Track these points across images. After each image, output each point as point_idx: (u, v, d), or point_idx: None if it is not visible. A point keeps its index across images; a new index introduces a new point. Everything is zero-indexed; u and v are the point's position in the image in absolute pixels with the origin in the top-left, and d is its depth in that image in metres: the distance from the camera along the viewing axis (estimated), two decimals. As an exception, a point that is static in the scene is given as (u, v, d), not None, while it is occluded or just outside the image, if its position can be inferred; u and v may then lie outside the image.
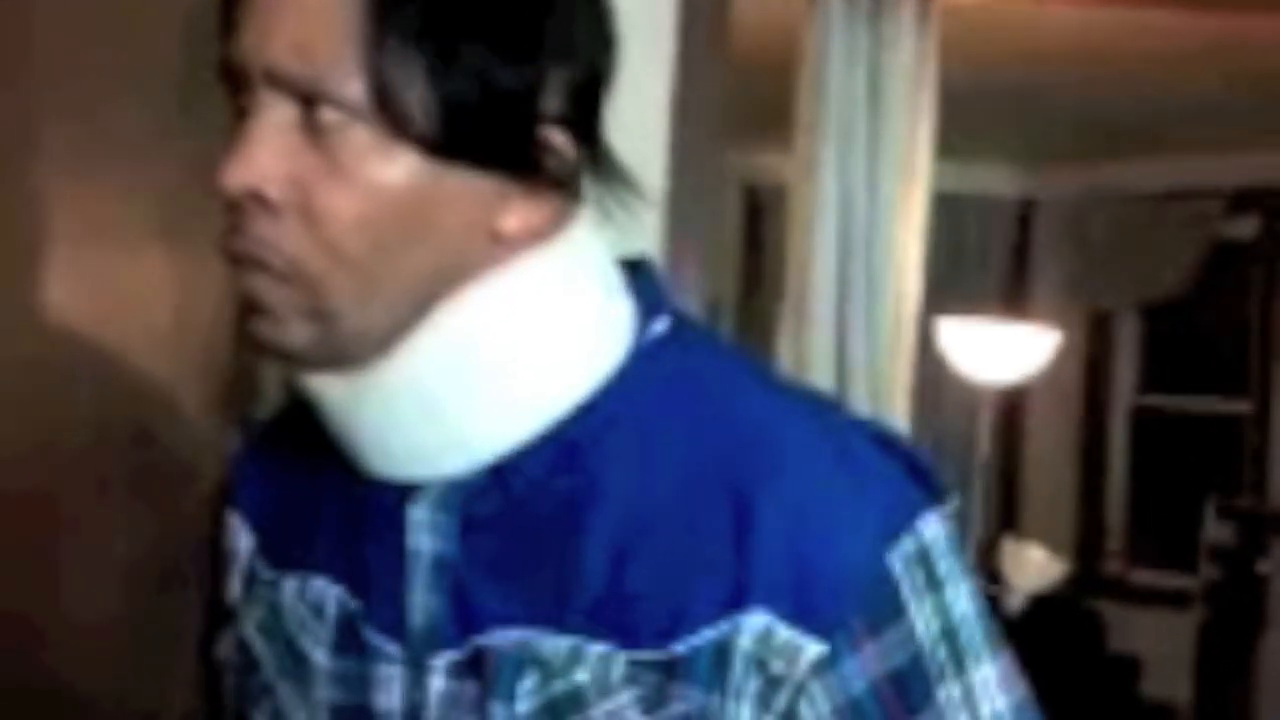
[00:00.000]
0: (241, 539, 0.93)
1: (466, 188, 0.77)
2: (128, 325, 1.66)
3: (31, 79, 1.58)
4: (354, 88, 0.75)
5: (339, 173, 0.76)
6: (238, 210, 0.77)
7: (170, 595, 1.57)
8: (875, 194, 2.77)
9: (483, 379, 0.80)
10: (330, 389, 0.81)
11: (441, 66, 0.74)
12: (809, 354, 2.78)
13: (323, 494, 0.88)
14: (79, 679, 1.60)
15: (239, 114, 0.79)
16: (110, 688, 1.61)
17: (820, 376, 2.77)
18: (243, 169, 0.76)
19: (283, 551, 0.90)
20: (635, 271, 0.87)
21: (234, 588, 0.93)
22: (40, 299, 1.62)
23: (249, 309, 0.79)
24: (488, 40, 0.75)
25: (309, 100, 0.75)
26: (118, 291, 1.65)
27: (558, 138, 0.78)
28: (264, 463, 0.95)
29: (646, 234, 1.50)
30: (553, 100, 0.78)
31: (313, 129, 0.76)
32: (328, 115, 0.75)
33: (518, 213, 0.79)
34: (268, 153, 0.76)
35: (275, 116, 0.76)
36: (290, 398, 0.92)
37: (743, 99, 3.23)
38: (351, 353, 0.79)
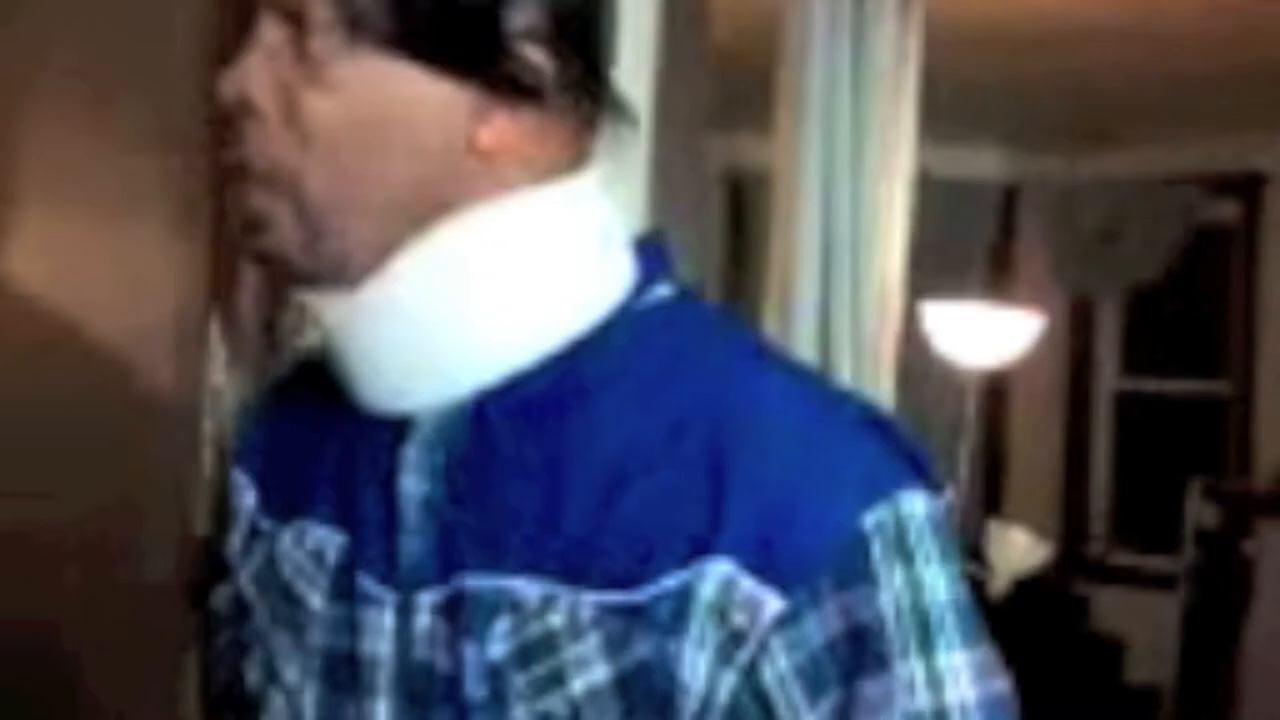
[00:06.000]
0: (246, 496, 0.95)
1: (440, 94, 0.81)
2: (97, 299, 1.65)
3: None
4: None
5: (316, 77, 0.81)
6: (231, 124, 0.84)
7: (136, 573, 1.57)
8: (859, 179, 2.77)
9: (470, 303, 0.82)
10: (328, 308, 0.84)
11: None
12: (793, 339, 2.78)
13: (322, 443, 0.90)
14: (48, 656, 1.60)
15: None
16: (79, 668, 1.61)
17: (805, 361, 2.77)
18: (234, 80, 0.83)
19: (282, 503, 0.92)
20: (646, 244, 0.89)
21: (234, 543, 0.95)
22: (6, 273, 1.61)
23: (247, 228, 0.85)
24: None
25: (294, 19, 0.82)
26: (85, 265, 1.65)
27: (533, 53, 0.81)
28: (269, 420, 0.98)
29: (630, 218, 1.50)
30: (523, 14, 0.80)
31: (300, 45, 0.82)
32: (311, 33, 0.81)
33: (495, 127, 0.81)
34: (257, 66, 0.83)
35: (269, 36, 0.83)
36: (296, 363, 0.99)
37: (725, 84, 3.23)
38: (341, 266, 0.83)
